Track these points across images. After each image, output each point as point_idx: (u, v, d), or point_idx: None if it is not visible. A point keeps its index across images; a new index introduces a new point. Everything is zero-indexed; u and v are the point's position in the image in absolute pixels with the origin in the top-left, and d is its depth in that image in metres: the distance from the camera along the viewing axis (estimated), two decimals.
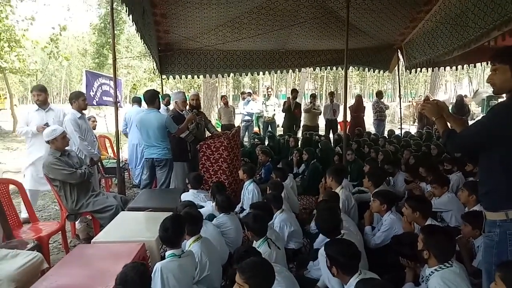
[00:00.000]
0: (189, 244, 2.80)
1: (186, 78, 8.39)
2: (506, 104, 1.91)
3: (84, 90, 6.54)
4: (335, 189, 3.92)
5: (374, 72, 9.20)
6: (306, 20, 6.33)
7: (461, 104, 10.11)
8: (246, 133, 10.16)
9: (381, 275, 2.35)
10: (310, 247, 3.59)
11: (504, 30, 4.45)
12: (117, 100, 4.96)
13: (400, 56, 8.33)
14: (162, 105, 6.24)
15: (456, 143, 2.05)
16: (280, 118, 10.20)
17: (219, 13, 6.00)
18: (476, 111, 17.76)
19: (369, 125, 11.17)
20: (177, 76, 8.12)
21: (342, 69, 6.48)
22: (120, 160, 5.01)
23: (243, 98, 10.58)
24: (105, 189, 6.09)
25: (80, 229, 4.29)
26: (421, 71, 8.86)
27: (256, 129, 10.49)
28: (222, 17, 6.21)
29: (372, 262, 2.86)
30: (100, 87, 7.29)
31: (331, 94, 10.31)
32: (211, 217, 3.67)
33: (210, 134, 5.73)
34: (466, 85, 39.14)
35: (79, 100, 4.55)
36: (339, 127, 10.39)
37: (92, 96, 7.01)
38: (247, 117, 10.12)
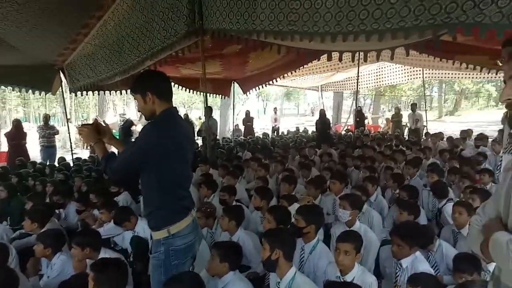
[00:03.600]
0: None
1: None
2: (153, 123, 1.96)
3: None
4: None
5: (34, 93, 8.11)
6: None
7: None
8: None
9: None
10: None
11: (155, 60, 5.19)
12: None
13: (63, 78, 7.80)
14: None
15: (113, 168, 1.93)
16: None
17: None
18: None
19: (38, 153, 9.96)
20: None
21: None
22: None
23: None
24: None
25: None
26: (87, 94, 8.69)
27: None
28: None
29: None
30: None
31: None
32: None
33: None
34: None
35: None
36: None
37: None
38: None
